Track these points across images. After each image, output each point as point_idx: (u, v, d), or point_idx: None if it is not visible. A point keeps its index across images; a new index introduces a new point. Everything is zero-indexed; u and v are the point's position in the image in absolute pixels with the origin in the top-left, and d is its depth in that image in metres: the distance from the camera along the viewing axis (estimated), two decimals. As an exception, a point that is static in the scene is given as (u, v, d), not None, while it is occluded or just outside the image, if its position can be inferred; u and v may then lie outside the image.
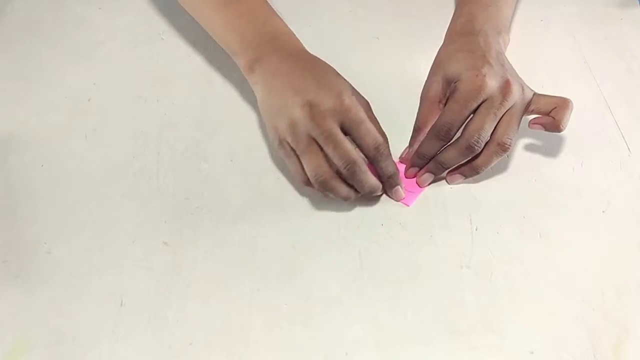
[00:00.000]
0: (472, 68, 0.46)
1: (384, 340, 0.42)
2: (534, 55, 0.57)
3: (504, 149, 0.47)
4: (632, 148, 0.52)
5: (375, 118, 0.48)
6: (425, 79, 0.51)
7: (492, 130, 0.46)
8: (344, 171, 0.44)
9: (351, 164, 0.44)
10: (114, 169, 0.51)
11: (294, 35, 0.50)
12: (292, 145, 0.45)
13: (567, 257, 0.46)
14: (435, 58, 0.51)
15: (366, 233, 0.47)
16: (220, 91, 0.57)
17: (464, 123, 0.47)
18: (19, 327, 0.42)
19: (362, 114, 0.44)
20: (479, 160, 0.48)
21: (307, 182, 0.46)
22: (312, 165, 0.44)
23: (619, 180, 0.50)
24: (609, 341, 0.42)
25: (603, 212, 0.48)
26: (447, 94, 0.48)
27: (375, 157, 0.46)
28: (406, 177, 0.50)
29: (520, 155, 0.52)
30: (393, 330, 0.42)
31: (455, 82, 0.47)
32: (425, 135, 0.49)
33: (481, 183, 0.50)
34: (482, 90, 0.45)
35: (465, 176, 0.49)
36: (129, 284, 0.44)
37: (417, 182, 0.50)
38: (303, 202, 0.49)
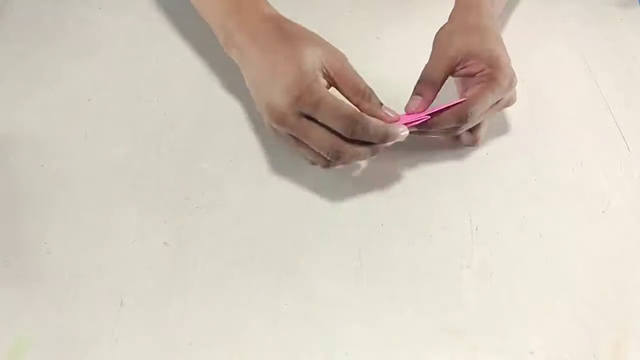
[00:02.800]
0: (504, 56, 0.47)
1: (384, 340, 0.42)
2: (534, 55, 0.57)
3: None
4: (632, 148, 0.52)
5: (353, 70, 0.46)
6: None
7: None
8: (329, 158, 0.44)
9: (334, 151, 0.43)
10: (114, 169, 0.51)
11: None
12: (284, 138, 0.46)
13: (567, 257, 0.46)
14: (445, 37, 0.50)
15: (366, 233, 0.47)
16: (220, 91, 0.57)
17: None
18: (19, 327, 0.42)
19: (315, 98, 0.42)
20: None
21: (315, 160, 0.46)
22: (315, 145, 0.44)
23: (619, 180, 0.50)
24: (609, 341, 0.42)
25: (603, 212, 0.48)
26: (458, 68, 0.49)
27: (351, 134, 0.43)
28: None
29: (521, 155, 0.52)
30: (393, 330, 0.42)
31: (491, 69, 0.47)
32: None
33: (481, 183, 0.50)
34: (512, 85, 0.47)
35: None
36: (129, 284, 0.44)
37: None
38: (303, 202, 0.49)
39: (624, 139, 0.53)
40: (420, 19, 0.62)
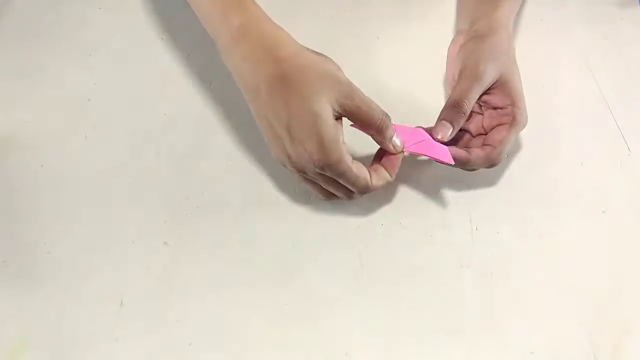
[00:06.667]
0: (523, 93, 0.49)
1: (383, 340, 0.42)
2: (534, 55, 0.57)
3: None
4: (632, 148, 0.52)
5: (365, 103, 0.43)
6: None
7: None
8: (357, 193, 0.45)
9: (363, 189, 0.44)
10: (114, 169, 0.51)
11: (269, 27, 0.46)
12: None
13: (567, 257, 0.46)
14: (478, 54, 0.49)
15: (366, 233, 0.47)
16: (220, 91, 0.57)
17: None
18: (19, 327, 0.42)
19: (339, 167, 0.42)
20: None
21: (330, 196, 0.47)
22: (333, 191, 0.45)
23: (619, 180, 0.50)
24: (609, 341, 0.42)
25: (603, 212, 0.49)
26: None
27: (361, 194, 0.45)
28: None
29: (520, 155, 0.52)
30: (393, 330, 0.42)
31: (514, 108, 0.48)
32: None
33: (481, 183, 0.50)
34: (525, 124, 0.48)
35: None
36: (129, 284, 0.44)
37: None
38: (303, 202, 0.49)
39: (624, 139, 0.53)
40: (421, 19, 0.62)
